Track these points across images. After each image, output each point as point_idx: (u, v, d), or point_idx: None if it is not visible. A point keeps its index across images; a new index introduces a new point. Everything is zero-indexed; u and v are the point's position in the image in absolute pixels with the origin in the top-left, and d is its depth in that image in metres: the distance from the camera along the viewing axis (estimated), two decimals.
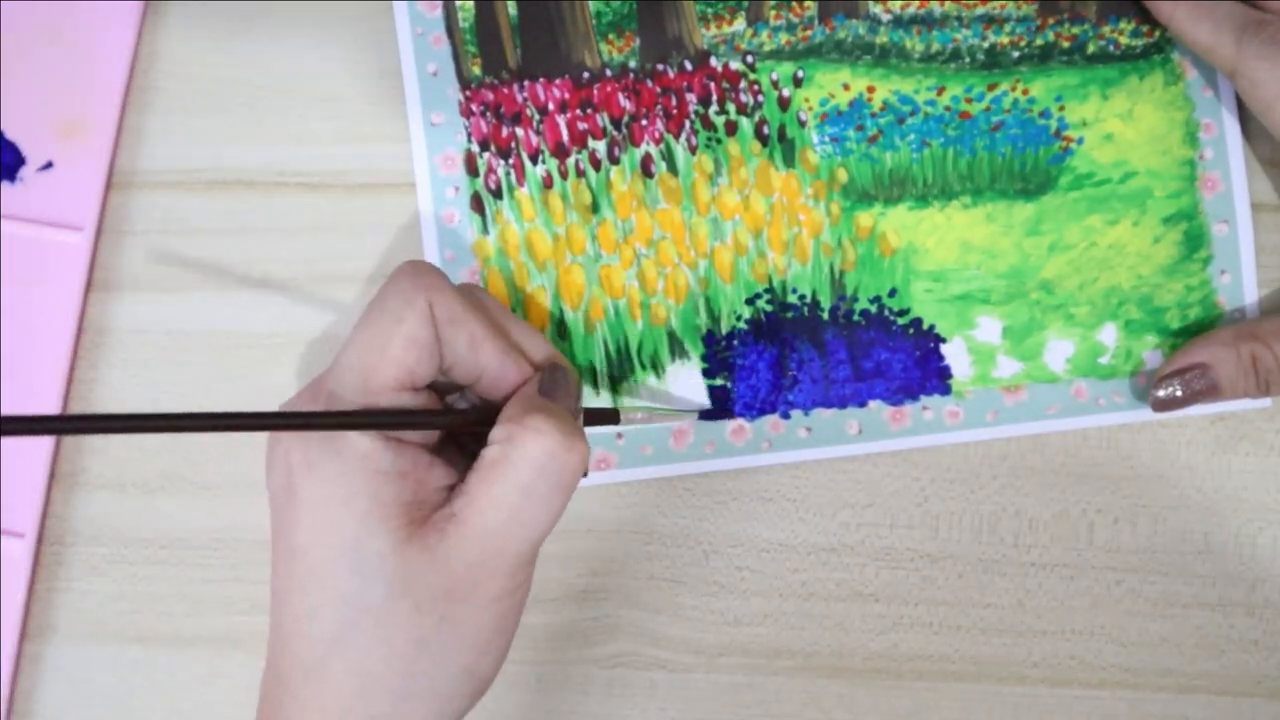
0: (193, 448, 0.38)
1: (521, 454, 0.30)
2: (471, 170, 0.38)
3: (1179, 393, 0.36)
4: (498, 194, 0.38)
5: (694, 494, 0.38)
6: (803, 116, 0.39)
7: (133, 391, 0.38)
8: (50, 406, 0.38)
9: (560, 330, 0.38)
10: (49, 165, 0.38)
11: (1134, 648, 0.38)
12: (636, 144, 0.38)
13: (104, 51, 0.38)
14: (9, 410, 0.37)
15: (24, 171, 0.38)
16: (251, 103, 0.39)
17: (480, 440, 0.31)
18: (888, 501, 0.38)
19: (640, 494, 0.38)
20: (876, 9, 0.39)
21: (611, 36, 0.39)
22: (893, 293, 0.38)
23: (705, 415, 0.37)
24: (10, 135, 0.38)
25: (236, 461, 0.38)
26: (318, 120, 0.39)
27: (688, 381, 0.38)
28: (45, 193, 0.38)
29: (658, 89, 0.39)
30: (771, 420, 0.38)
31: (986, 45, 0.39)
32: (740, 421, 0.38)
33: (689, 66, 0.39)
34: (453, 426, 0.32)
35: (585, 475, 0.31)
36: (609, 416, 0.35)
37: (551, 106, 0.38)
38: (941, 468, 0.38)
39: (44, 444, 0.37)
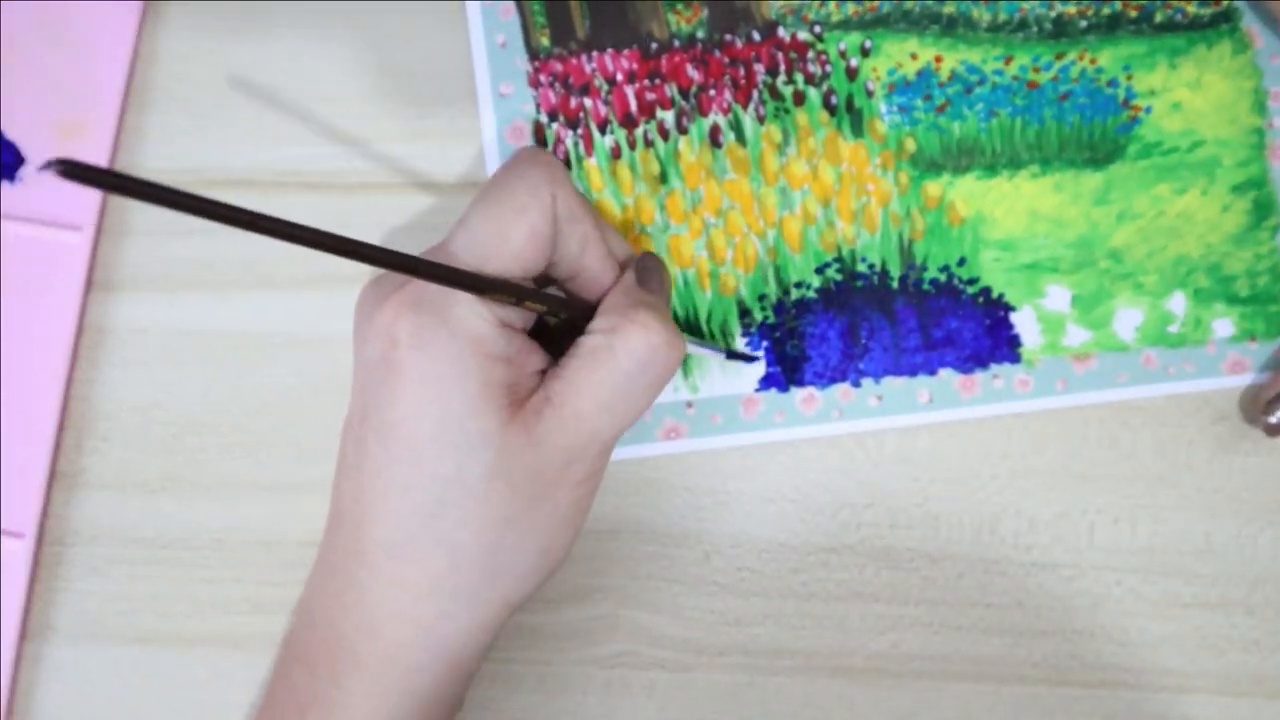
0: (193, 448, 0.38)
1: (626, 345, 0.30)
2: (540, 140, 0.38)
3: None
4: (566, 164, 0.38)
5: (694, 494, 0.38)
6: (870, 86, 0.39)
7: (132, 391, 0.38)
8: (50, 406, 0.37)
9: None
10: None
11: (1134, 648, 0.38)
12: (704, 114, 0.38)
13: (104, 51, 0.38)
14: (8, 410, 0.37)
15: (24, 171, 0.38)
16: (251, 103, 0.39)
17: (566, 331, 0.31)
18: (887, 501, 0.38)
19: (641, 494, 0.38)
20: None
21: (679, 7, 0.39)
22: (962, 261, 0.38)
23: (732, 354, 0.37)
24: (10, 135, 0.38)
25: (237, 462, 0.38)
26: (318, 120, 0.39)
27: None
28: (45, 193, 0.38)
29: (725, 59, 0.39)
30: (842, 388, 0.38)
31: (1054, 15, 0.39)
32: (811, 390, 0.38)
33: (757, 37, 0.39)
34: (560, 310, 0.31)
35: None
36: None
37: (620, 77, 0.38)
38: (941, 468, 0.38)
39: (44, 444, 0.37)
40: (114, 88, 0.38)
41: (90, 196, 0.38)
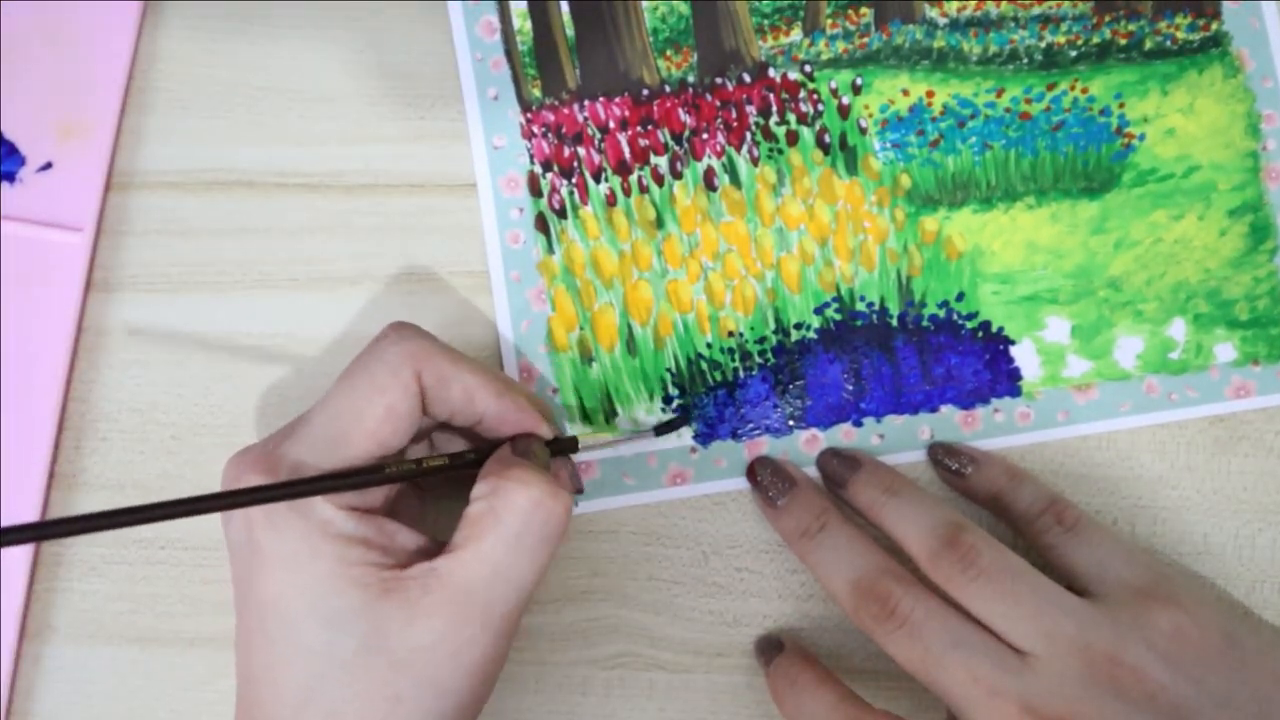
0: (192, 448, 0.38)
1: (507, 505, 0.29)
2: (535, 191, 0.38)
3: None
4: (562, 213, 0.38)
5: (694, 495, 0.38)
6: (863, 124, 0.39)
7: (131, 392, 0.38)
8: (49, 407, 0.37)
9: (630, 346, 0.38)
10: (48, 166, 0.38)
11: None
12: (698, 158, 0.39)
13: (104, 51, 0.38)
14: (8, 410, 0.37)
15: (24, 172, 0.38)
16: (251, 103, 0.39)
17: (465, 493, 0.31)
18: None
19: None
20: (933, 13, 0.39)
21: (669, 52, 0.39)
22: (960, 296, 0.38)
23: (660, 430, 0.37)
24: (10, 135, 0.38)
25: None
26: (318, 120, 0.39)
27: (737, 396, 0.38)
28: (45, 193, 0.38)
29: (717, 102, 0.39)
30: (844, 429, 0.38)
31: (1044, 45, 0.39)
32: (814, 430, 0.38)
33: (747, 79, 0.39)
34: (452, 462, 0.32)
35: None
36: (568, 445, 0.34)
37: (612, 125, 0.39)
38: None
39: (44, 444, 0.37)
40: (114, 88, 0.38)
41: (90, 197, 0.38)
